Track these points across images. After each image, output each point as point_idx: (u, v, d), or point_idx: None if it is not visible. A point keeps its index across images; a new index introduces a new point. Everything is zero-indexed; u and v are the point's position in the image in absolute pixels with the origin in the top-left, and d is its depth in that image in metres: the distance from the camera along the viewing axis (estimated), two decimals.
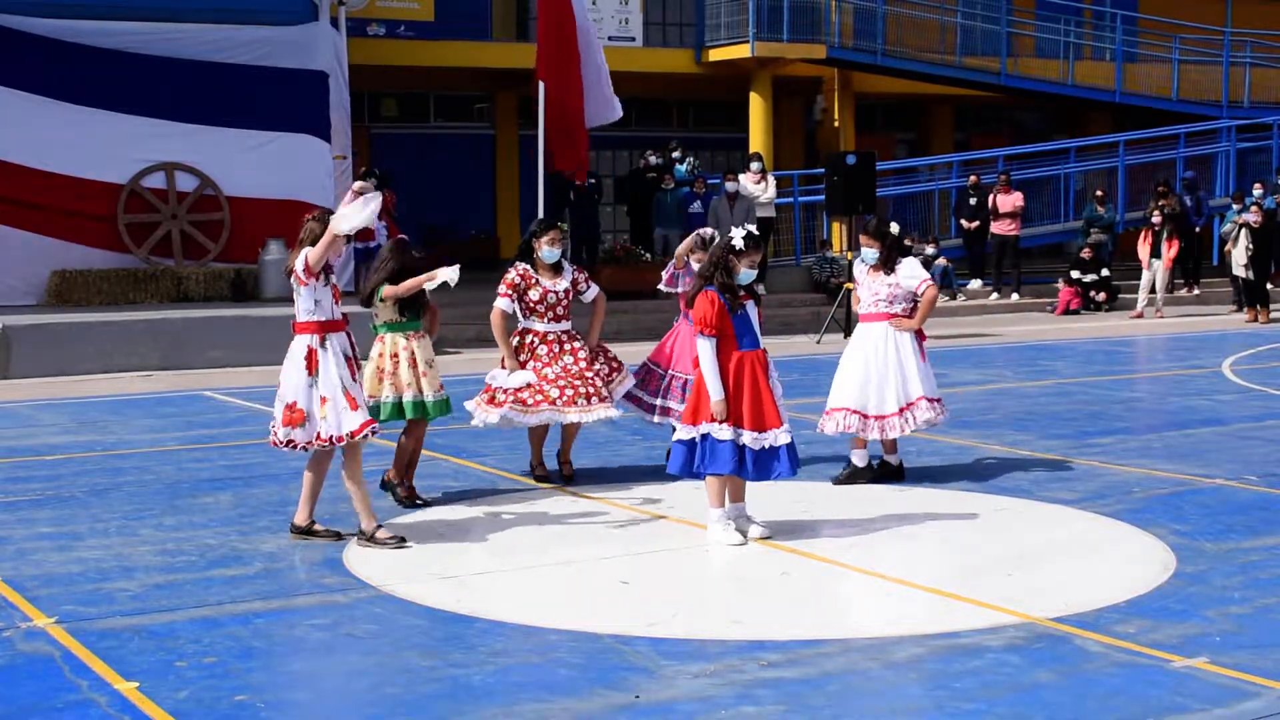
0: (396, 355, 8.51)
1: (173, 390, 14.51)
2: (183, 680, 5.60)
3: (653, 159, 22.30)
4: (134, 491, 9.34)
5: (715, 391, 7.57)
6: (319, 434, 7.55)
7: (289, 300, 8.22)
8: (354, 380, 7.75)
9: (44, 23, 17.86)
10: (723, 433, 7.58)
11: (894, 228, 9.37)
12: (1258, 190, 23.88)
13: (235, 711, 5.27)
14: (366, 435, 7.62)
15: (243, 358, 15.75)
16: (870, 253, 9.24)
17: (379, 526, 7.76)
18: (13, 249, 17.62)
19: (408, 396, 8.47)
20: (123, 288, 17.70)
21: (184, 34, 18.49)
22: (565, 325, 9.18)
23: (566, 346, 9.12)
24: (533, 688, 5.49)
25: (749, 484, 7.88)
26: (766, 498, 8.40)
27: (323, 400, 7.57)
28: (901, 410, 9.13)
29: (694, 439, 7.68)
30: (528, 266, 9.14)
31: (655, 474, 9.39)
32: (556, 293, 9.12)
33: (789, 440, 7.68)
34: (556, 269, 9.18)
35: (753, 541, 7.73)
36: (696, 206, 21.26)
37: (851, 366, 9.26)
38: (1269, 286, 21.77)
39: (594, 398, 9.00)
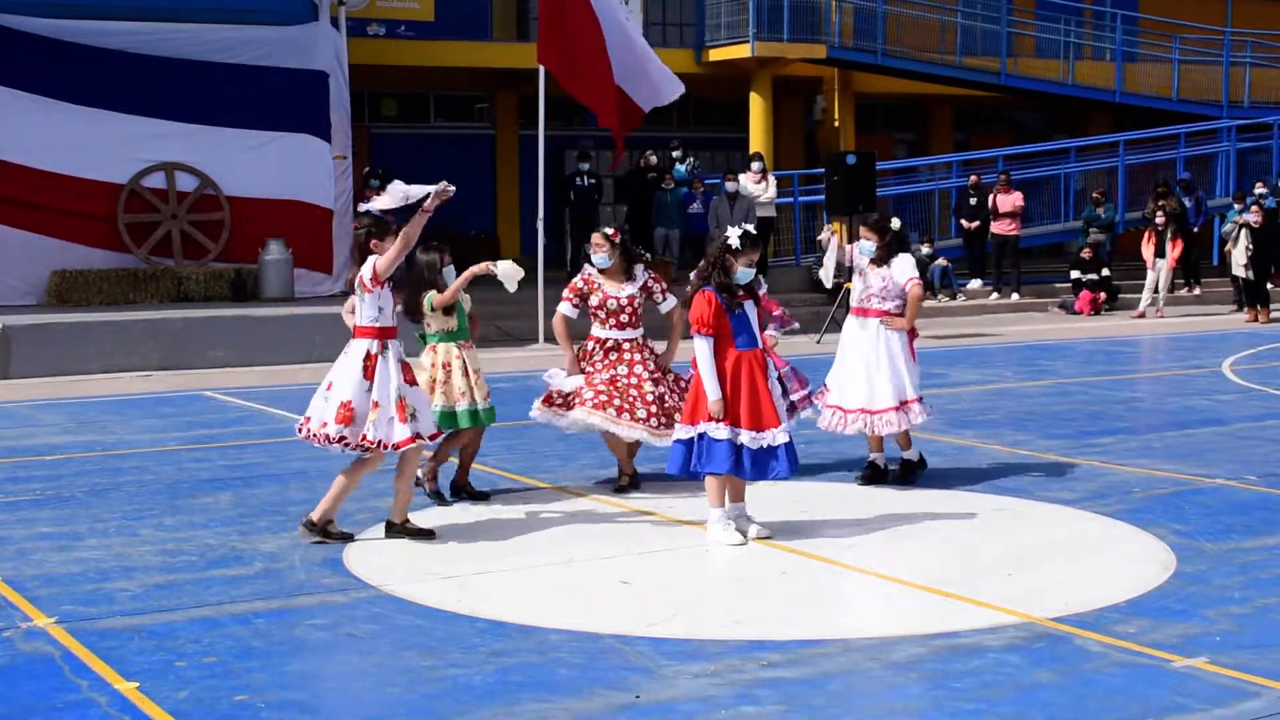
0: (449, 365, 8.51)
1: (173, 390, 14.50)
2: (183, 680, 5.60)
3: (653, 159, 22.30)
4: (134, 491, 9.34)
5: (712, 391, 7.57)
6: (365, 436, 7.56)
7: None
8: (413, 387, 7.76)
9: (44, 23, 17.85)
10: (719, 432, 7.58)
11: (895, 223, 9.35)
12: (1259, 189, 23.88)
13: (235, 711, 5.27)
14: (418, 448, 7.69)
15: (243, 358, 15.75)
16: (868, 245, 9.23)
17: (331, 521, 7.85)
18: (13, 249, 17.61)
19: (462, 405, 8.49)
20: (123, 288, 17.69)
21: (184, 34, 18.48)
22: (629, 334, 8.90)
23: (627, 356, 8.87)
24: (533, 688, 5.49)
25: (748, 484, 7.88)
26: (766, 498, 8.40)
27: (374, 405, 7.57)
28: (899, 407, 9.11)
29: (692, 438, 7.69)
30: (593, 271, 8.96)
31: (655, 474, 9.39)
32: (618, 299, 8.86)
33: (787, 439, 7.67)
34: (626, 274, 8.93)
35: (753, 541, 7.73)
36: (696, 206, 21.28)
37: (846, 362, 9.25)
38: (1269, 286, 21.77)
39: (625, 413, 8.67)
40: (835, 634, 6.15)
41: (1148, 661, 5.74)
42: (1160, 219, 21.93)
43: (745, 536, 7.75)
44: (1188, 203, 23.69)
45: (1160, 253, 21.82)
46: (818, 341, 18.41)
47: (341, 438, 7.56)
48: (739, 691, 5.43)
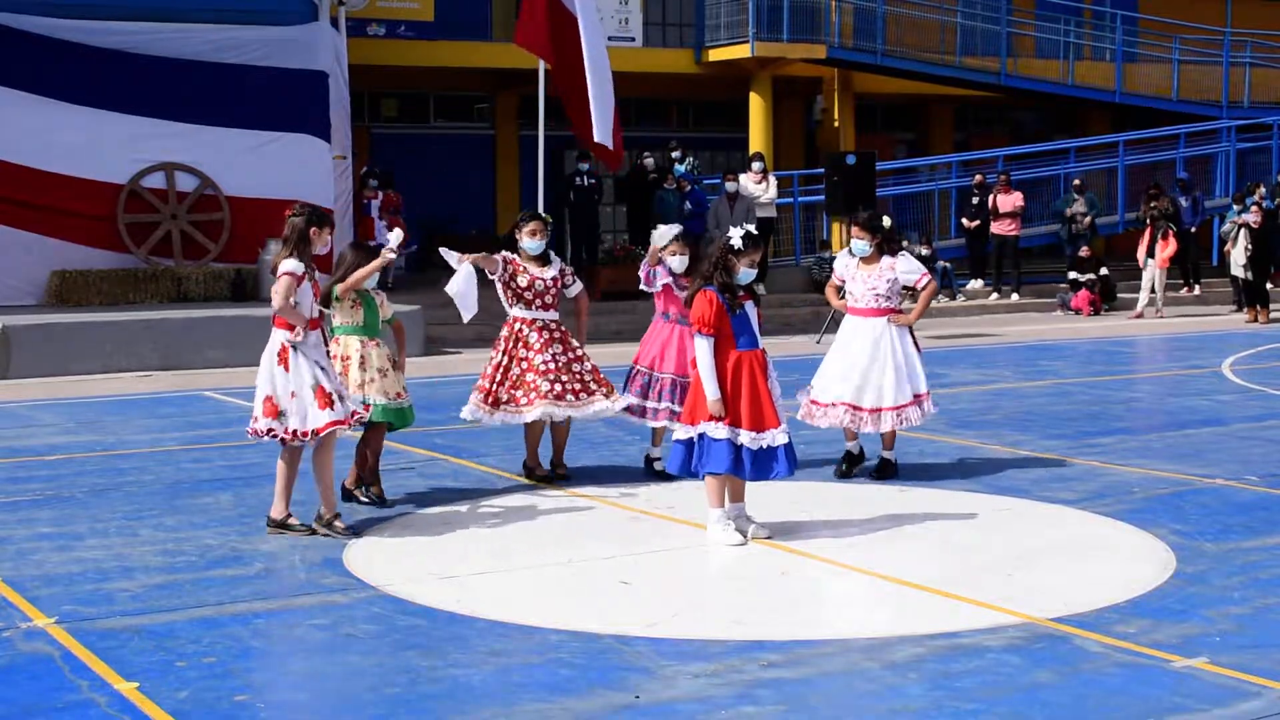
0: (349, 358, 8.50)
1: (173, 390, 14.50)
2: (183, 680, 5.60)
3: (649, 161, 22.26)
4: (134, 492, 9.33)
5: (712, 391, 7.57)
6: (287, 428, 7.74)
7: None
8: (332, 376, 7.90)
9: (44, 22, 17.87)
10: (719, 431, 7.58)
11: (886, 221, 9.43)
12: (1259, 190, 23.86)
13: (235, 711, 5.27)
14: (334, 432, 7.76)
15: (243, 358, 15.69)
16: (862, 245, 9.27)
17: (337, 516, 7.93)
18: (13, 249, 17.62)
19: (355, 398, 8.41)
20: (123, 288, 17.70)
21: (184, 34, 18.50)
22: (553, 315, 9.25)
23: (556, 334, 9.21)
24: (533, 688, 5.49)
25: (748, 484, 7.88)
26: (766, 498, 8.39)
27: (291, 395, 7.74)
28: (900, 406, 9.15)
29: (692, 438, 7.69)
30: (514, 255, 9.26)
31: (655, 474, 9.40)
32: (544, 280, 9.19)
33: (787, 440, 7.67)
34: (543, 260, 9.27)
35: (753, 541, 7.73)
36: (687, 206, 21.22)
37: (849, 359, 9.26)
38: (1269, 286, 21.77)
39: (583, 392, 9.11)
40: (835, 634, 6.15)
41: (1148, 661, 5.74)
42: (1149, 221, 21.95)
43: (745, 536, 7.75)
44: (1184, 202, 23.69)
45: (1151, 252, 21.83)
46: (817, 342, 18.39)
47: (269, 430, 7.72)
48: (739, 691, 5.43)
